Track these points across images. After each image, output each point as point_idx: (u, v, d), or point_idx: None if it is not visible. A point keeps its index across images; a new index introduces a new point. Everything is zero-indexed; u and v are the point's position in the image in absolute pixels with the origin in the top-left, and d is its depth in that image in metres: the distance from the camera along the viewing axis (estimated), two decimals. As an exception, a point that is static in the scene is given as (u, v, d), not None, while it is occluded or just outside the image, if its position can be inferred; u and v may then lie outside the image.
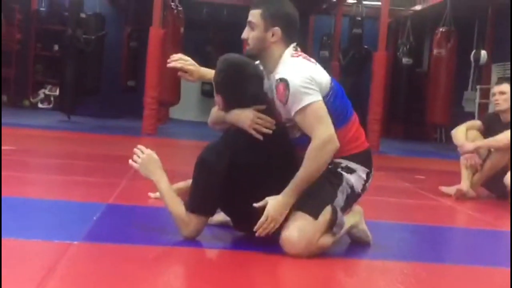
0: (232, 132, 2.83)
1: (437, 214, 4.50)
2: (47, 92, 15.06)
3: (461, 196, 4.95)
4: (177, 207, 2.80)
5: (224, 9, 14.93)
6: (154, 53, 9.73)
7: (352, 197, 2.88)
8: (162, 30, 10.01)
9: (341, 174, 2.83)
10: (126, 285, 2.15)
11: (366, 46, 12.68)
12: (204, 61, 13.85)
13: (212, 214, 2.83)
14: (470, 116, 10.51)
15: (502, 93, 5.13)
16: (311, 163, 2.68)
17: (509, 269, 2.91)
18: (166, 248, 2.77)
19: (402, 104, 13.63)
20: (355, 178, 2.87)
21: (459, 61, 12.52)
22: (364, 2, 13.41)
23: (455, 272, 2.79)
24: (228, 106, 2.87)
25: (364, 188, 2.93)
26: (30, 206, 3.53)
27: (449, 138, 6.01)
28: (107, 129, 10.39)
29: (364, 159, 2.92)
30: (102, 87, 13.08)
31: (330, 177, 2.81)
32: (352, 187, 2.85)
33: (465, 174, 5.05)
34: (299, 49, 2.90)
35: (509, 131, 4.94)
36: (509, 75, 11.42)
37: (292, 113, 2.72)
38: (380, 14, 10.20)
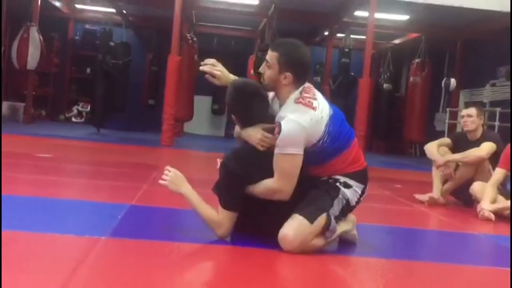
0: (249, 144, 2.83)
1: (412, 218, 4.48)
2: (80, 108, 15.08)
3: (432, 203, 4.93)
4: (209, 211, 2.80)
5: (232, 40, 15.00)
6: (171, 77, 9.75)
7: (347, 208, 2.86)
8: (178, 57, 10.03)
9: (339, 188, 2.82)
10: (147, 276, 2.14)
11: (352, 73, 12.69)
12: (214, 85, 13.77)
13: (238, 210, 2.77)
14: (441, 134, 10.52)
15: (469, 116, 5.11)
16: (259, 190, 2.72)
17: (470, 266, 2.90)
18: (185, 244, 2.74)
19: (383, 123, 13.63)
20: (351, 192, 2.83)
21: (432, 87, 12.53)
22: (352, 36, 13.44)
23: (428, 268, 2.77)
24: (241, 124, 2.89)
25: (358, 201, 2.90)
26: (63, 205, 3.53)
27: (422, 153, 5.99)
28: (131, 141, 10.39)
29: (361, 177, 2.89)
30: (128, 105, 13.13)
31: (329, 189, 2.80)
32: (347, 200, 2.83)
33: (436, 184, 5.05)
34: (307, 86, 2.82)
35: (475, 149, 4.95)
36: (474, 100, 11.41)
37: (275, 150, 2.69)
38: (365, 46, 10.21)
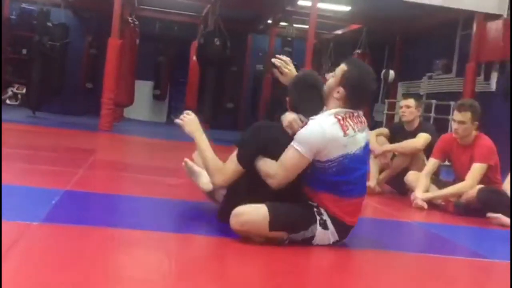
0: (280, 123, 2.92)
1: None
2: (15, 90, 14.58)
3: (369, 192, 5.03)
4: (216, 158, 2.94)
5: (175, 26, 14.82)
6: (111, 61, 9.55)
7: (305, 240, 2.73)
8: (119, 40, 9.82)
9: (315, 221, 2.72)
10: (78, 262, 2.09)
11: (295, 63, 12.70)
12: (156, 70, 13.78)
13: (246, 168, 2.81)
14: (379, 125, 10.75)
15: (408, 106, 5.23)
16: (260, 165, 2.76)
17: (402, 252, 2.98)
18: (120, 230, 2.70)
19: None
20: (322, 234, 2.73)
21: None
22: (294, 25, 13.50)
23: (361, 255, 2.83)
24: (291, 109, 2.97)
25: (321, 244, 2.75)
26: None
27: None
28: (68, 125, 10.14)
29: (342, 230, 2.78)
30: (65, 88, 12.81)
31: (307, 213, 2.73)
32: (312, 237, 2.72)
33: (373, 173, 5.15)
34: (357, 115, 2.80)
35: (411, 140, 5.07)
36: (412, 92, 11.71)
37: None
38: (307, 36, 10.29)
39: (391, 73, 12.43)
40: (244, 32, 14.90)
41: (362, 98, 2.84)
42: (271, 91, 12.42)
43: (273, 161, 2.73)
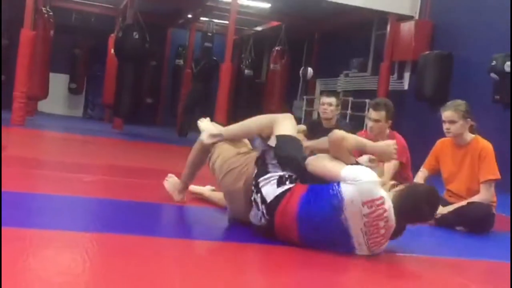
0: None
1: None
2: None
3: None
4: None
5: (92, 17, 14.41)
6: (24, 52, 9.16)
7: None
8: (32, 32, 9.45)
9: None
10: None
11: (215, 58, 12.76)
12: (72, 63, 13.34)
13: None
14: (298, 121, 10.91)
15: (330, 104, 5.32)
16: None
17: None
18: (31, 230, 2.59)
19: (244, 108, 13.88)
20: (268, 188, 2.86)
21: (290, 75, 12.96)
22: (215, 20, 13.49)
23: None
24: None
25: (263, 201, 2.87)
26: None
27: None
28: (-24, 119, 9.65)
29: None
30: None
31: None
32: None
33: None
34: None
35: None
36: (329, 89, 11.98)
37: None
38: (227, 32, 10.30)
39: (310, 70, 12.65)
40: (164, 26, 14.73)
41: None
42: (191, 87, 12.35)
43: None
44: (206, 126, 3.47)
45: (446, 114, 4.12)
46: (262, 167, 2.93)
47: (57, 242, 2.48)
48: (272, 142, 3.01)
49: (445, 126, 4.14)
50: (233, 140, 3.35)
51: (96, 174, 5.06)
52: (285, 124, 3.12)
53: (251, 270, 2.52)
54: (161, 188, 3.81)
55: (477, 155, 4.10)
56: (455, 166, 4.24)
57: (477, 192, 4.08)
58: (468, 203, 4.04)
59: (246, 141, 3.45)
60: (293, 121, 3.21)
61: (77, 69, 15.11)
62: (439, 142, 4.42)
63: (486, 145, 4.13)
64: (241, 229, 3.33)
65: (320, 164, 2.88)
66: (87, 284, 1.98)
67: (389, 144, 3.07)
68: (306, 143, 5.23)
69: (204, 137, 3.39)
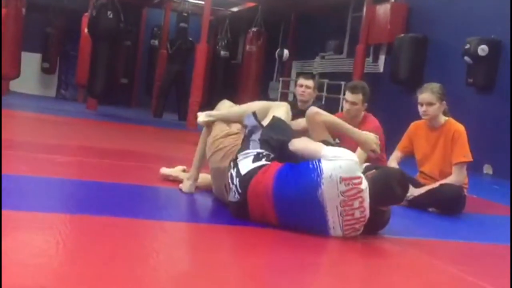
0: None
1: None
2: None
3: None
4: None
5: (65, -5, 14.18)
6: (-5, 30, 9.00)
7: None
8: (3, 9, 9.25)
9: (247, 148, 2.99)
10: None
11: (190, 39, 12.66)
12: (45, 42, 13.16)
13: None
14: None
15: (308, 87, 5.30)
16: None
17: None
18: (4, 211, 2.56)
19: (219, 89, 13.85)
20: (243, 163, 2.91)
21: (266, 56, 12.92)
22: (190, 1, 13.36)
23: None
24: None
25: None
26: None
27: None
28: None
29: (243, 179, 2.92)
30: None
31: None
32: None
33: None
34: None
35: (303, 119, 5.17)
36: (305, 71, 11.98)
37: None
38: (203, 12, 10.22)
39: (286, 52, 12.63)
40: (139, 6, 14.55)
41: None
42: (166, 67, 12.25)
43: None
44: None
45: (424, 96, 4.17)
46: (244, 143, 3.03)
47: (30, 223, 2.45)
48: (265, 122, 3.12)
49: (422, 108, 4.18)
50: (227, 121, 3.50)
51: (69, 155, 5.01)
52: (281, 111, 3.28)
53: (224, 251, 2.53)
54: (134, 169, 3.79)
55: (450, 137, 4.16)
56: (428, 148, 4.30)
57: (449, 174, 4.15)
58: (440, 184, 4.11)
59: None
60: (289, 110, 3.35)
61: (50, 48, 14.87)
62: (413, 124, 4.47)
63: (459, 128, 4.19)
64: (215, 211, 3.35)
65: (302, 144, 2.94)
66: (61, 266, 1.97)
67: (372, 139, 3.20)
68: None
69: (200, 118, 3.53)
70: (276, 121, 3.15)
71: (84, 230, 2.49)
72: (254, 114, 3.25)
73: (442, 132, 4.22)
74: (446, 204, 4.06)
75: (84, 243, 2.29)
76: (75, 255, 2.12)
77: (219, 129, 3.39)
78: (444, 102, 4.19)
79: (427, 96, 4.15)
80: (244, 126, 3.29)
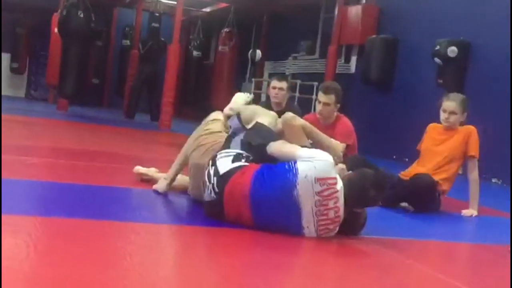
0: None
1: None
2: None
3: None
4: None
5: (34, -6, 13.96)
6: (-38, 29, 8.81)
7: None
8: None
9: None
10: None
11: (163, 39, 12.57)
12: (14, 41, 12.96)
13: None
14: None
15: (282, 89, 5.26)
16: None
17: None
18: None
19: (192, 90, 13.82)
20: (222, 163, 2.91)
21: (239, 57, 12.91)
22: (162, 0, 13.28)
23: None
24: None
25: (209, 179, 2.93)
26: None
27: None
28: None
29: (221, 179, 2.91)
30: None
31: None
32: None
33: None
34: None
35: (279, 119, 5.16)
36: (278, 72, 12.00)
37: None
38: (175, 12, 10.16)
39: (258, 52, 12.63)
40: (110, 5, 14.40)
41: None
42: (138, 68, 12.15)
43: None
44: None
45: (449, 104, 4.28)
46: (226, 142, 3.08)
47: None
48: (250, 125, 3.16)
49: (445, 115, 4.29)
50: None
51: (39, 156, 4.94)
52: (267, 117, 3.28)
53: (199, 252, 2.52)
54: (105, 171, 3.74)
55: (467, 133, 4.27)
56: (435, 142, 4.39)
57: (444, 170, 4.23)
58: (414, 175, 4.19)
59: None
60: (275, 119, 3.36)
61: (19, 48, 14.64)
62: (430, 125, 4.56)
63: (473, 127, 4.31)
64: (189, 212, 3.33)
65: (278, 146, 2.95)
66: (32, 269, 1.93)
67: (339, 148, 3.40)
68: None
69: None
70: (259, 125, 3.16)
71: (55, 233, 2.44)
72: (238, 116, 3.26)
73: (456, 132, 4.33)
74: (416, 195, 4.09)
75: (55, 246, 2.25)
76: (46, 258, 2.08)
77: (201, 128, 3.50)
78: (465, 114, 4.31)
79: (452, 105, 4.26)
80: (229, 127, 3.32)
